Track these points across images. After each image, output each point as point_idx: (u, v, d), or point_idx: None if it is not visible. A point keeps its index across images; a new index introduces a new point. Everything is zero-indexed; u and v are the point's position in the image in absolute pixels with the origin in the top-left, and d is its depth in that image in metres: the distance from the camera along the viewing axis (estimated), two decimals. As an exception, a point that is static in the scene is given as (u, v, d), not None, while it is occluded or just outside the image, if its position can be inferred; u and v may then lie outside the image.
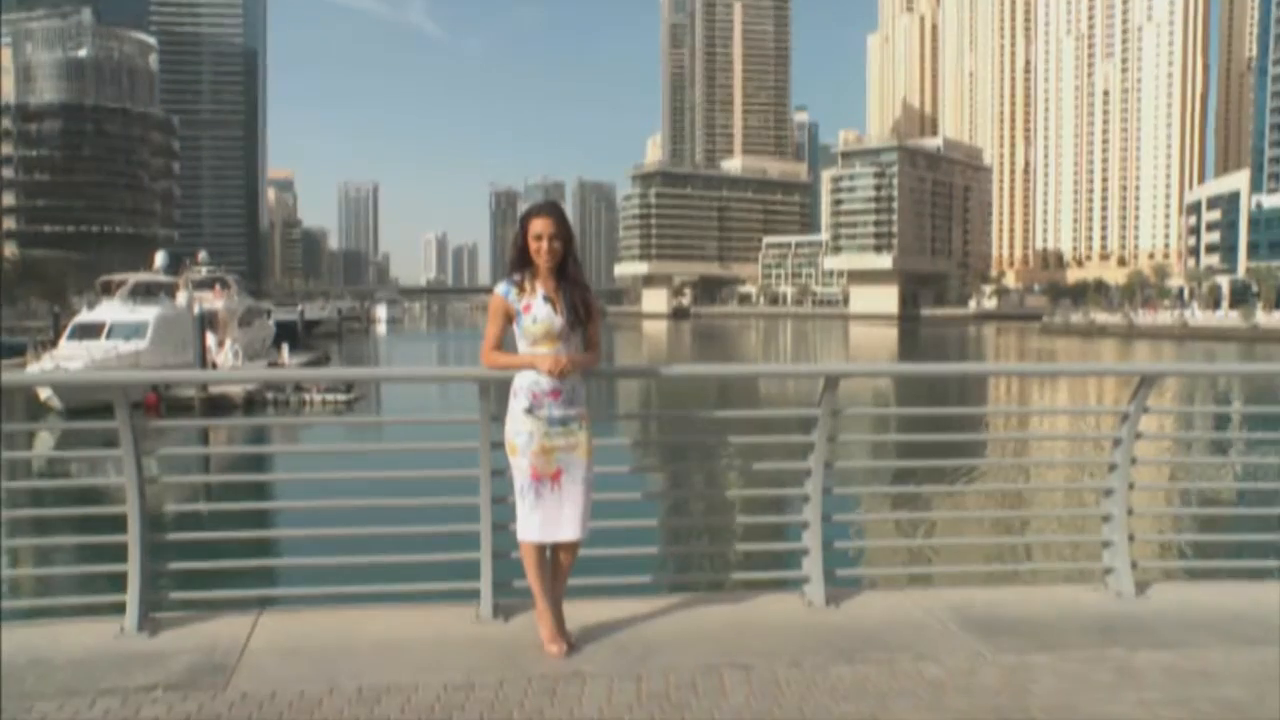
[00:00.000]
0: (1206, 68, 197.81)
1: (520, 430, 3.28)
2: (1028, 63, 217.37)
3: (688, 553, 9.65)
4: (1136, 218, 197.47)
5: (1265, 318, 78.67)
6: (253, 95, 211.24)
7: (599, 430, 3.44)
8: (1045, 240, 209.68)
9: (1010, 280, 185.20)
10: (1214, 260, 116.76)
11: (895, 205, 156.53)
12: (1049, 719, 2.89)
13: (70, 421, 17.84)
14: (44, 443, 12.90)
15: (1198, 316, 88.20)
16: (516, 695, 2.97)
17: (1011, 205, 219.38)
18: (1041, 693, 3.06)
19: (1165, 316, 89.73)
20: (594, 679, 3.10)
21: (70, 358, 27.35)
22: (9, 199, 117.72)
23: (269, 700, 2.93)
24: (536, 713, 2.87)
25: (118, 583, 3.52)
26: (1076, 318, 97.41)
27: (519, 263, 3.33)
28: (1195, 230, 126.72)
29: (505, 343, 3.38)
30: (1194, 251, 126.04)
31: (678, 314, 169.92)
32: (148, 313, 31.01)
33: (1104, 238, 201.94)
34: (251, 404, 27.61)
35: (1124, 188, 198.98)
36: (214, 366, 31.39)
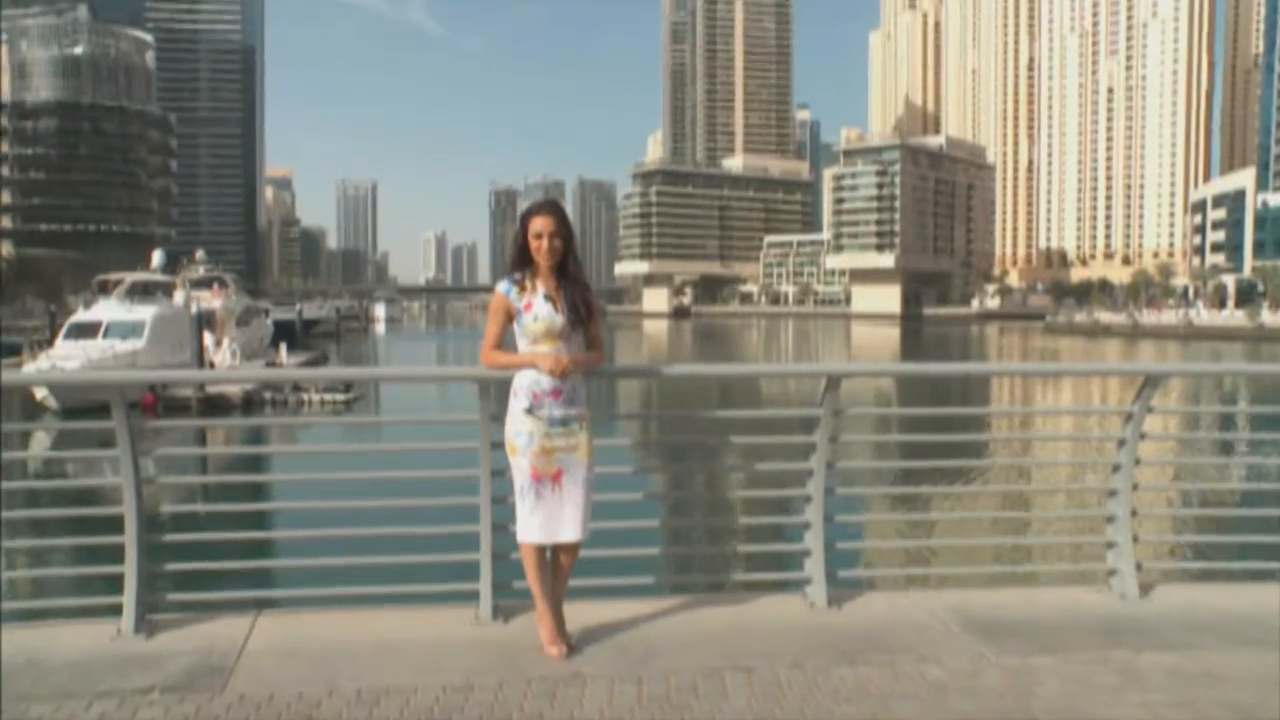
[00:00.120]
0: (1212, 64, 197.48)
1: (520, 430, 3.27)
2: (1031, 60, 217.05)
3: (689, 554, 9.63)
4: (1141, 216, 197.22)
5: (1271, 317, 78.40)
6: (251, 92, 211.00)
7: (599, 430, 3.43)
8: (1049, 239, 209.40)
9: (1013, 279, 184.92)
10: (1219, 259, 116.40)
11: (898, 204, 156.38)
12: (1053, 722, 2.87)
13: (66, 421, 17.76)
14: (40, 443, 12.88)
15: (1203, 316, 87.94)
16: (516, 697, 2.96)
17: (1015, 204, 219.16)
18: (1045, 695, 3.04)
19: (1170, 316, 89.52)
20: (594, 681, 3.09)
21: (66, 357, 27.25)
22: (5, 197, 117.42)
23: (267, 702, 2.92)
24: (536, 715, 2.86)
25: (114, 584, 3.50)
26: (1080, 317, 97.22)
27: (519, 261, 3.32)
28: (1200, 229, 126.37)
29: (505, 342, 3.37)
30: (1199, 250, 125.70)
31: (678, 313, 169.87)
32: (145, 312, 30.91)
33: (1108, 236, 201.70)
34: (249, 404, 27.58)
35: (1128, 186, 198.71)
36: (211, 366, 31.32)
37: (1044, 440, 18.73)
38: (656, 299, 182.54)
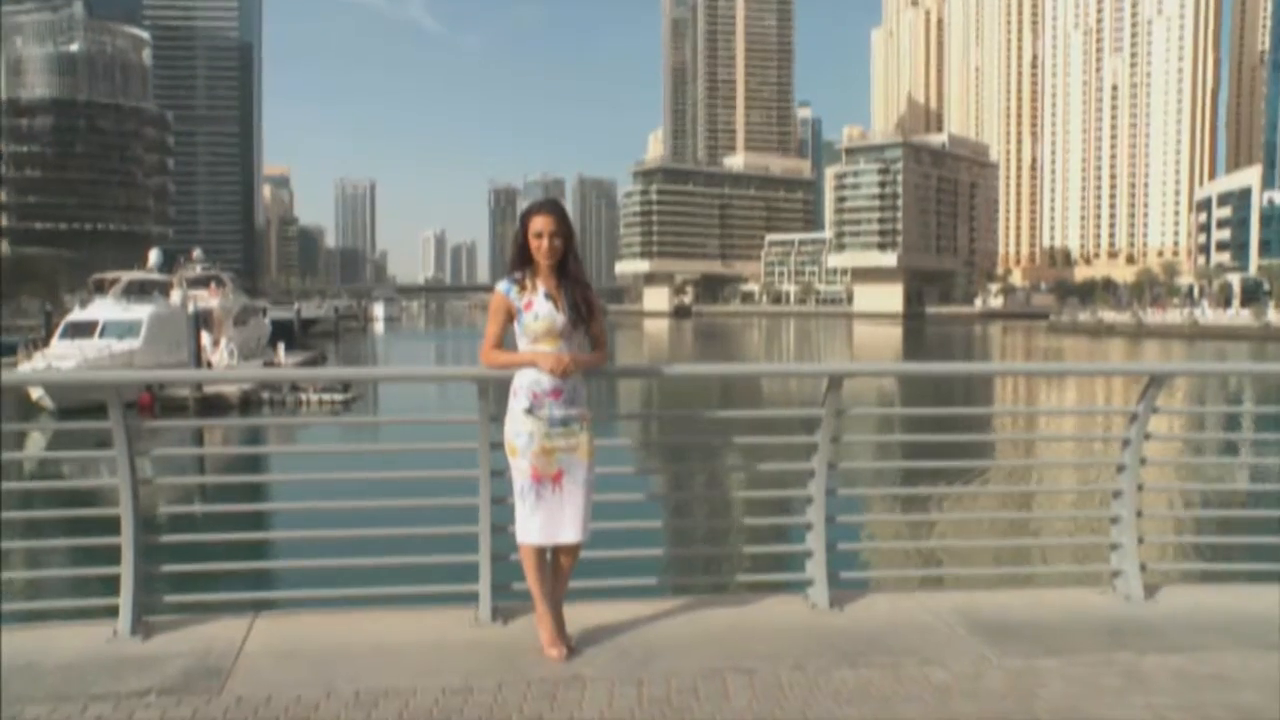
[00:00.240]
0: (1218, 62, 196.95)
1: (520, 431, 3.25)
2: (1035, 57, 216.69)
3: (690, 555, 9.61)
4: (1146, 215, 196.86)
5: (1277, 316, 78.22)
6: (248, 90, 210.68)
7: (600, 430, 3.41)
8: (1052, 237, 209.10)
9: (1017, 278, 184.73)
10: (1225, 258, 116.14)
11: (900, 202, 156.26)
12: (1057, 725, 2.85)
13: (63, 422, 17.69)
14: (36, 443, 12.89)
15: (1208, 315, 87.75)
16: (515, 699, 2.95)
17: (1018, 202, 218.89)
18: (1049, 697, 3.03)
19: (1175, 315, 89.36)
20: (594, 683, 3.07)
21: (63, 357, 27.16)
22: (0, 196, 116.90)
23: (264, 704, 2.90)
24: (536, 717, 2.84)
25: (110, 585, 3.48)
26: (1084, 316, 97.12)
27: (519, 260, 3.30)
28: (1206, 227, 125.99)
29: (506, 342, 3.36)
30: (1204, 249, 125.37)
31: (679, 312, 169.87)
32: (141, 311, 30.83)
33: (1112, 235, 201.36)
34: (247, 404, 27.50)
35: (1133, 184, 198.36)
36: (209, 366, 31.23)
37: (1048, 441, 18.64)
38: (657, 298, 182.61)
